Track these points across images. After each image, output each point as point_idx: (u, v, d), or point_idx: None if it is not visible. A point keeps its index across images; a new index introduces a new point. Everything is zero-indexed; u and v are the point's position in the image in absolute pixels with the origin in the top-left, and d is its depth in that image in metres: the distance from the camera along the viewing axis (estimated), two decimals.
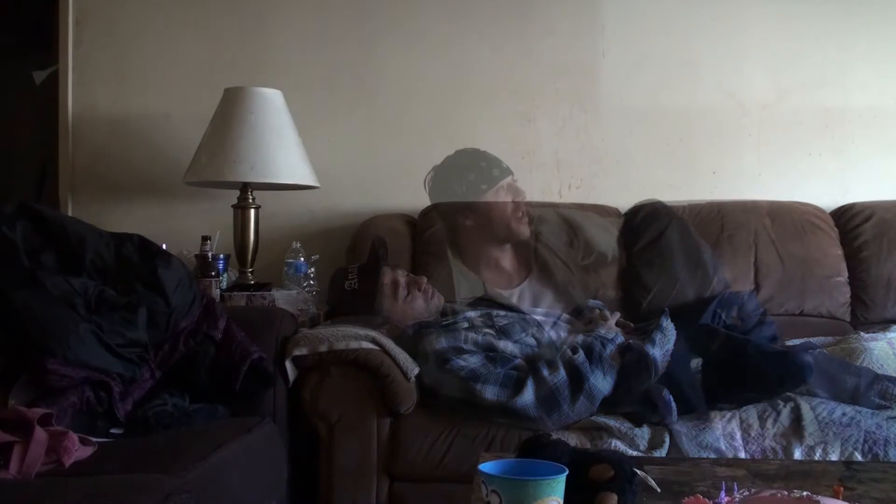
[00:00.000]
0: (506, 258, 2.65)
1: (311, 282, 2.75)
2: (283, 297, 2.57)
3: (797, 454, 1.96)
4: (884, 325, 2.60)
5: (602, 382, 2.08)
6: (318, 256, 2.80)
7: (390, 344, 2.17)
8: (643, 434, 2.00)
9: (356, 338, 2.15)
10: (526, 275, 2.63)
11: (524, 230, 2.61)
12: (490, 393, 2.06)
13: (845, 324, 2.72)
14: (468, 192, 2.58)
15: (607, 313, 2.40)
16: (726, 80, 3.10)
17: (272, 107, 2.77)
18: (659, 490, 1.35)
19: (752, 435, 2.00)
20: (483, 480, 1.13)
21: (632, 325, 2.40)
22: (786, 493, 1.21)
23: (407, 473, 2.12)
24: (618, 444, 1.98)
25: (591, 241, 2.63)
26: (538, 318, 2.39)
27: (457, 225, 2.65)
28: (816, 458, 1.94)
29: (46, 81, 3.49)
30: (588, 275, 2.61)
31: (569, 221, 2.69)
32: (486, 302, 2.51)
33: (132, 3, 3.13)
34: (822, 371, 2.10)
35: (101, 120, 3.12)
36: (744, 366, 2.11)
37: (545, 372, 2.08)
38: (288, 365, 2.15)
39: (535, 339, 2.29)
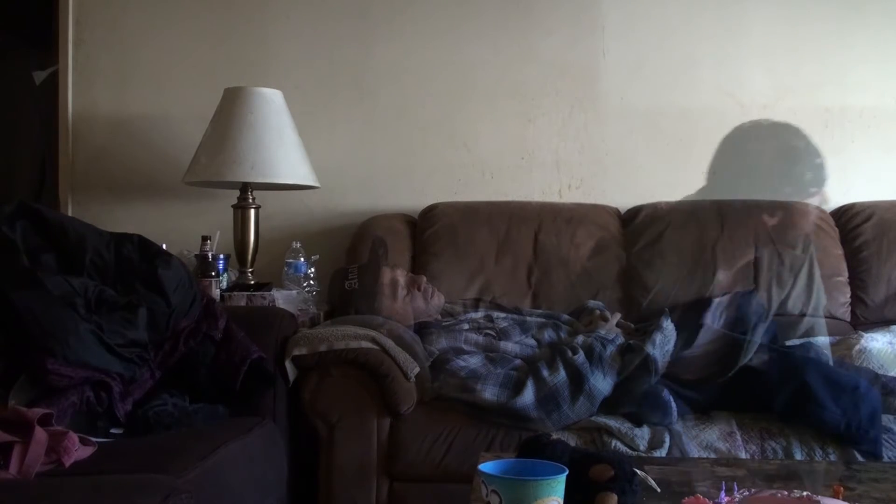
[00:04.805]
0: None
1: (311, 282, 2.75)
2: (283, 297, 2.57)
3: (797, 454, 1.96)
4: (884, 325, 2.59)
5: (602, 383, 2.08)
6: (318, 256, 2.80)
7: (390, 344, 2.16)
8: (643, 434, 2.00)
9: (356, 337, 2.15)
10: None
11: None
12: (490, 393, 2.06)
13: (845, 324, 2.72)
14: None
15: (608, 314, 2.40)
16: (726, 80, 3.09)
17: (272, 107, 2.77)
18: (659, 490, 1.35)
19: (752, 435, 2.00)
20: (483, 480, 1.13)
21: (632, 325, 2.40)
22: (786, 493, 1.21)
23: (407, 473, 2.11)
24: (618, 444, 1.98)
25: None
26: (538, 319, 2.39)
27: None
28: (816, 459, 1.94)
29: (46, 81, 3.49)
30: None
31: None
32: (486, 303, 2.51)
33: (132, 3, 3.13)
34: (822, 372, 2.09)
35: (101, 120, 3.12)
36: (743, 366, 2.11)
37: (545, 372, 2.08)
38: (288, 365, 2.15)
39: (536, 339, 2.29)
